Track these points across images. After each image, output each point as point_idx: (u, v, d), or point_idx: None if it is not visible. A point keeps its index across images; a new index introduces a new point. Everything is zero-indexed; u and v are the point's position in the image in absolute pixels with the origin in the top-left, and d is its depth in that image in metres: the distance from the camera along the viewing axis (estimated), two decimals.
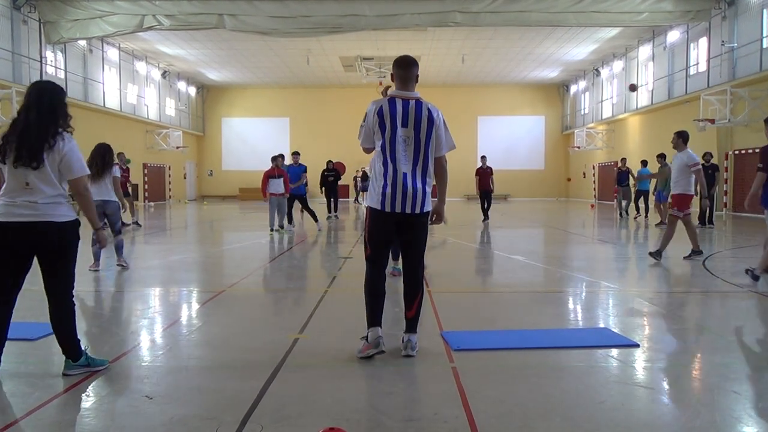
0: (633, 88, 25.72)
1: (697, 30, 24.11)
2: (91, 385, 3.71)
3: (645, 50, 28.92)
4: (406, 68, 4.29)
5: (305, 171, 15.61)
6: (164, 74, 34.91)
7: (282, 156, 14.47)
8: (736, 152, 21.87)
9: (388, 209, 4.15)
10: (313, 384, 3.70)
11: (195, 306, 6.32)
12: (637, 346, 4.51)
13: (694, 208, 14.35)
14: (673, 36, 25.89)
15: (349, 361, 4.27)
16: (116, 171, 8.57)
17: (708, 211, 15.65)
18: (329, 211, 19.73)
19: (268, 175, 13.87)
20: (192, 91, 39.24)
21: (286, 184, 13.96)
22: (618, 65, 31.78)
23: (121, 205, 8.42)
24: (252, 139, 39.82)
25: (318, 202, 25.70)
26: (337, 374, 3.94)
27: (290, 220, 14.90)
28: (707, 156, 16.45)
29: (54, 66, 24.43)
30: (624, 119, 31.49)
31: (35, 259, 3.79)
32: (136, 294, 7.00)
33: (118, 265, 8.42)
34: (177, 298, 6.83)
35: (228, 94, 40.90)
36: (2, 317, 3.73)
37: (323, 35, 24.43)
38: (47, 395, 3.49)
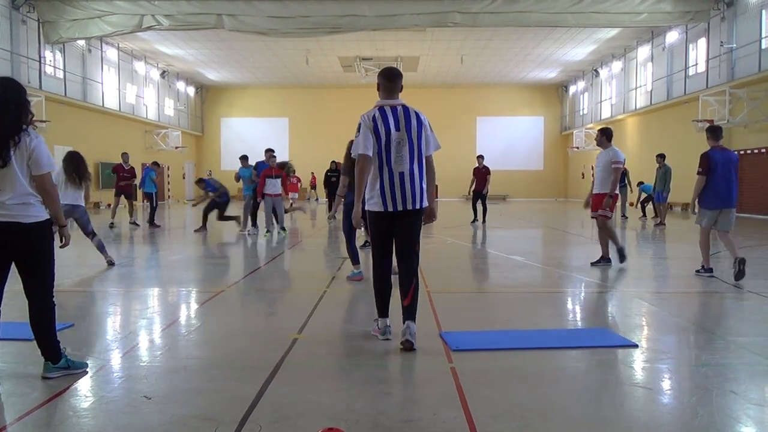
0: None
1: (696, 31, 24.14)
2: (90, 385, 3.70)
3: (644, 51, 28.95)
4: (392, 80, 4.57)
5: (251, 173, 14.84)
6: (163, 74, 34.89)
7: (272, 151, 13.99)
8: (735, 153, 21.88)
9: (390, 209, 4.46)
10: (312, 384, 3.69)
11: (194, 306, 6.31)
12: (636, 346, 4.51)
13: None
14: (672, 36, 25.91)
15: (348, 361, 4.27)
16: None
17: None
18: (329, 211, 19.72)
19: (266, 175, 13.49)
20: (191, 91, 39.24)
21: (283, 185, 13.67)
22: (617, 66, 31.81)
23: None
24: (251, 140, 39.76)
25: (319, 202, 25.63)
26: (335, 374, 3.94)
27: (254, 222, 14.33)
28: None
29: (53, 66, 24.42)
30: (623, 120, 31.51)
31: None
32: (135, 294, 6.99)
33: (108, 263, 8.46)
34: (175, 298, 6.82)
35: (227, 94, 40.90)
36: None
37: (322, 35, 24.44)
38: (45, 395, 3.48)
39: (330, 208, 19.85)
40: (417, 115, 4.53)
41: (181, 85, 37.44)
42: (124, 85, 30.55)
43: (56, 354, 3.76)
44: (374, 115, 4.47)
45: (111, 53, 29.17)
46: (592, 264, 8.70)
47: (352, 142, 5.31)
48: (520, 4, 20.85)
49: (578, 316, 6.04)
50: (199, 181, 15.01)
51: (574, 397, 3.49)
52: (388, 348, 4.58)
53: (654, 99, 27.92)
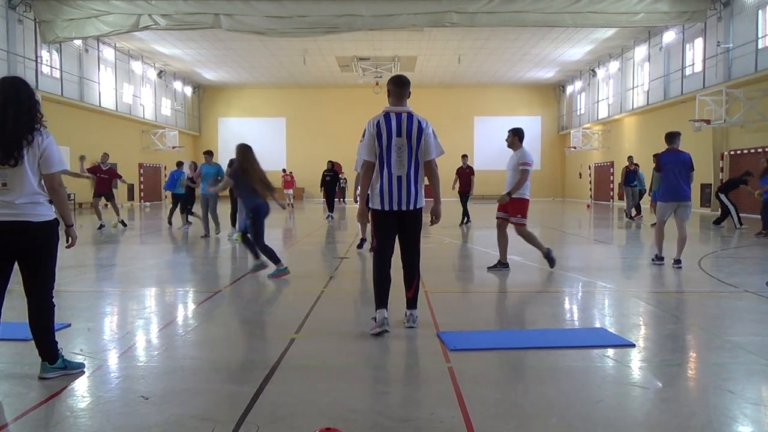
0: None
1: (693, 31, 24.18)
2: (87, 385, 3.70)
3: (641, 51, 28.99)
4: (401, 86, 4.95)
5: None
6: (160, 74, 34.84)
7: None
8: (732, 153, 21.94)
9: (387, 208, 4.85)
10: (310, 384, 3.70)
11: (191, 306, 6.31)
12: (633, 345, 4.52)
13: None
14: (669, 37, 25.95)
15: (346, 361, 4.27)
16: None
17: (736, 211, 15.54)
18: (329, 210, 19.81)
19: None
20: (188, 90, 39.18)
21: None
22: (614, 66, 31.84)
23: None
24: (248, 139, 39.37)
25: (315, 202, 25.62)
26: (333, 374, 3.94)
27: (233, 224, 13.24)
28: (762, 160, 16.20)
29: (49, 65, 24.36)
30: (620, 119, 31.55)
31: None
32: (132, 294, 6.98)
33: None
34: (173, 299, 6.82)
35: (224, 94, 40.85)
36: None
37: (320, 35, 24.41)
38: (42, 396, 3.48)
39: (329, 208, 19.90)
40: (419, 122, 4.85)
41: (178, 85, 37.38)
42: (121, 84, 30.49)
43: (54, 354, 3.76)
44: (378, 121, 4.83)
45: (108, 53, 29.11)
46: (489, 269, 8.33)
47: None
48: (517, 4, 20.85)
49: (575, 316, 6.05)
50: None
51: (572, 397, 3.49)
52: (386, 348, 4.59)
53: (651, 99, 27.96)
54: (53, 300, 3.80)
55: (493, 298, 6.85)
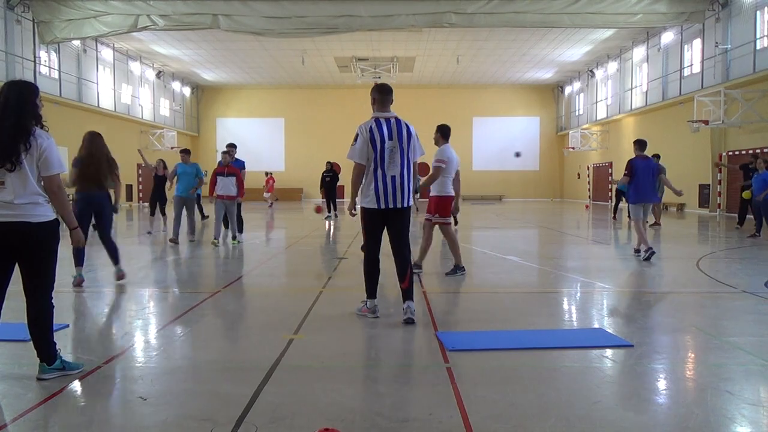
0: None
1: (691, 31, 24.22)
2: (85, 386, 3.70)
3: (639, 51, 29.03)
4: (386, 94, 5.35)
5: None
6: (159, 74, 34.83)
7: (234, 146, 12.12)
8: (730, 153, 21.96)
9: (382, 206, 5.21)
10: (308, 384, 3.69)
11: (189, 307, 6.30)
12: (632, 346, 4.52)
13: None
14: (667, 37, 25.99)
15: (345, 361, 4.27)
16: None
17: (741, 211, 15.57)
18: (329, 211, 19.87)
19: (216, 173, 11.52)
20: (186, 91, 39.17)
21: (240, 185, 11.44)
22: (612, 66, 31.88)
23: None
24: (247, 140, 39.73)
25: (313, 202, 25.60)
26: (332, 375, 3.94)
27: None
28: (750, 158, 16.24)
29: (48, 66, 24.35)
30: (618, 120, 31.59)
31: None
32: (131, 294, 6.97)
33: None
34: (171, 299, 6.81)
35: (223, 95, 40.84)
36: None
37: (318, 36, 24.43)
38: (40, 397, 3.47)
39: (328, 209, 19.95)
40: (407, 126, 5.32)
41: (176, 86, 37.37)
42: (119, 85, 30.48)
43: (52, 355, 3.75)
44: (371, 126, 5.20)
45: (106, 53, 29.10)
46: (446, 274, 7.90)
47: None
48: (516, 4, 20.88)
49: (574, 316, 6.05)
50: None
51: (570, 397, 3.49)
52: (385, 348, 4.59)
53: (649, 99, 28.00)
54: (52, 301, 3.80)
55: (492, 298, 6.85)
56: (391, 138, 5.19)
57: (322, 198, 21.07)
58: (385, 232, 5.38)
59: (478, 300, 6.80)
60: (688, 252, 11.27)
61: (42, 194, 3.72)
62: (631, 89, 29.94)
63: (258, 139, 39.27)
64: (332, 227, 16.84)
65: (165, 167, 15.18)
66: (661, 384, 3.84)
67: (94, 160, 7.13)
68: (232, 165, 11.57)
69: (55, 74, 24.80)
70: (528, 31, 26.36)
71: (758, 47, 19.91)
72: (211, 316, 5.88)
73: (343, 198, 35.29)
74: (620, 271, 9.04)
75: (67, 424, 3.16)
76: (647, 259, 9.18)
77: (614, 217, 19.31)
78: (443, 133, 7.88)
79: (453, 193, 7.79)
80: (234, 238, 11.81)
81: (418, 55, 31.89)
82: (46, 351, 3.74)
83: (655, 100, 27.27)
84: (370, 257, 5.36)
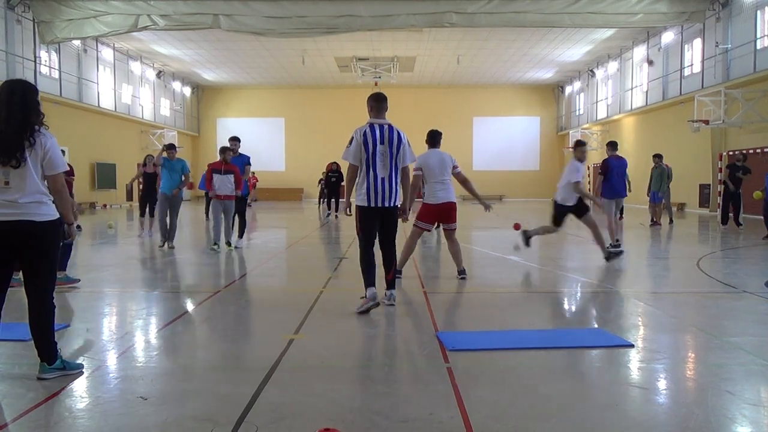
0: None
1: (692, 31, 24.20)
2: (86, 386, 3.70)
3: (639, 51, 29.00)
4: (381, 102, 5.82)
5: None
6: (159, 74, 34.82)
7: (237, 140, 11.27)
8: (730, 153, 21.95)
9: (372, 204, 5.66)
10: (309, 385, 3.69)
11: (190, 307, 6.30)
12: (632, 346, 4.52)
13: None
14: (668, 37, 25.97)
15: (345, 361, 4.27)
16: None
17: (735, 211, 15.52)
18: (329, 209, 20.37)
19: (213, 170, 10.46)
20: (187, 91, 39.16)
21: (237, 183, 10.48)
22: (613, 66, 31.86)
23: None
24: (247, 140, 39.61)
25: (312, 202, 25.57)
26: (332, 375, 3.94)
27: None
28: (739, 156, 16.19)
29: (48, 66, 24.34)
30: (619, 120, 31.57)
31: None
32: (130, 295, 6.98)
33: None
34: (171, 299, 6.81)
35: (223, 95, 40.84)
36: None
37: (318, 35, 24.40)
38: (41, 396, 3.47)
39: (328, 205, 20.43)
40: (398, 133, 5.76)
41: (177, 86, 37.36)
42: (119, 85, 30.47)
43: (53, 355, 3.75)
44: (365, 131, 5.67)
45: (107, 53, 29.09)
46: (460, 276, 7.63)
47: None
48: (516, 4, 20.86)
49: (574, 317, 6.05)
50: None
51: (571, 398, 3.49)
52: (385, 348, 4.59)
53: (650, 99, 27.97)
54: (53, 301, 3.80)
55: (492, 298, 6.84)
56: (382, 143, 5.66)
57: (325, 198, 21.56)
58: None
59: (478, 300, 6.80)
60: (688, 252, 11.27)
61: (46, 193, 3.73)
62: (632, 89, 29.92)
63: (258, 139, 39.21)
64: (332, 227, 16.84)
65: (155, 164, 13.46)
66: (662, 384, 3.84)
67: None
68: (234, 161, 10.59)
69: (55, 74, 24.79)
70: (528, 31, 26.33)
71: (759, 47, 19.89)
72: (212, 316, 5.88)
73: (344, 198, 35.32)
74: (620, 271, 9.04)
75: (68, 424, 3.16)
76: (614, 252, 9.25)
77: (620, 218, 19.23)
78: (428, 138, 7.72)
79: (439, 201, 7.43)
80: (229, 243, 10.68)
81: (418, 55, 31.87)
82: (47, 351, 3.74)
83: (656, 100, 27.24)
84: (366, 250, 5.78)
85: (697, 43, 23.91)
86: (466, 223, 17.85)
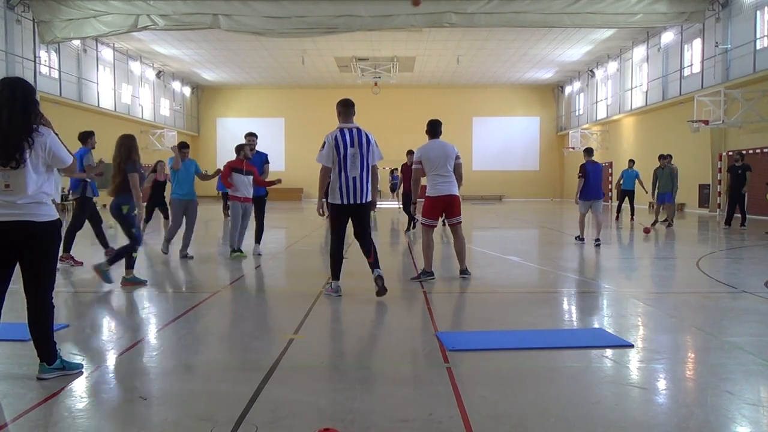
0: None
1: (691, 31, 24.21)
2: (85, 386, 3.70)
3: (639, 51, 29.02)
4: (349, 107, 6.37)
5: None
6: (159, 74, 34.82)
7: (255, 135, 10.51)
8: (730, 153, 21.95)
9: (345, 202, 6.24)
10: (308, 384, 3.69)
11: (189, 307, 6.30)
12: (632, 346, 4.52)
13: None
14: (668, 37, 25.98)
15: (344, 361, 4.27)
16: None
17: (742, 213, 15.52)
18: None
19: (233, 168, 9.58)
20: (187, 91, 39.17)
21: (257, 185, 9.88)
22: (612, 66, 31.88)
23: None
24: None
25: (312, 202, 25.48)
26: (331, 375, 3.94)
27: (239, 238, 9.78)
28: (736, 156, 16.19)
29: (48, 66, 24.34)
30: (618, 120, 31.58)
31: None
32: (131, 295, 6.97)
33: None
34: (171, 299, 6.81)
35: (223, 95, 40.84)
36: None
37: (318, 35, 24.43)
38: (41, 396, 3.47)
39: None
40: (367, 135, 6.30)
41: (176, 85, 37.37)
42: (119, 85, 30.47)
43: (52, 355, 3.75)
44: (336, 136, 6.22)
45: (106, 53, 29.09)
46: (412, 279, 7.62)
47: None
48: (516, 4, 20.86)
49: (574, 317, 6.05)
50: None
51: (570, 398, 3.49)
52: (385, 348, 4.59)
53: (650, 99, 27.98)
54: (53, 300, 3.80)
55: (491, 298, 6.84)
56: (353, 145, 6.18)
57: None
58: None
59: (478, 300, 6.80)
60: (688, 252, 11.27)
61: (47, 193, 3.72)
62: (631, 89, 29.93)
63: (258, 139, 39.20)
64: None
65: (168, 170, 11.93)
66: (661, 384, 3.84)
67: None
68: (251, 161, 9.77)
69: (55, 74, 24.79)
70: (528, 31, 26.34)
71: (758, 47, 19.90)
72: (212, 316, 5.88)
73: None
74: (620, 271, 9.04)
75: (68, 424, 3.16)
76: (576, 242, 11.76)
77: (617, 218, 19.23)
78: (428, 128, 7.56)
79: (441, 194, 7.33)
80: (238, 249, 9.68)
81: (418, 55, 31.88)
82: (47, 351, 3.73)
83: (656, 100, 27.25)
84: (337, 244, 6.38)
85: (697, 43, 23.92)
86: (466, 223, 17.86)
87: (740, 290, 6.88)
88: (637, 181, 18.16)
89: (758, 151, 19.92)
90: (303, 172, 37.89)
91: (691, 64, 24.56)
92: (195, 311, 5.98)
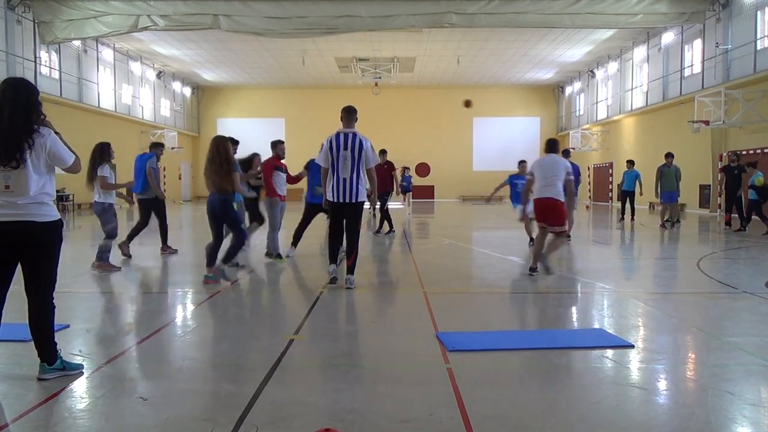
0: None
1: (692, 32, 24.20)
2: (86, 386, 3.70)
3: (640, 52, 29.01)
4: (350, 113, 6.89)
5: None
6: (159, 75, 34.83)
7: (283, 143, 10.20)
8: (730, 153, 21.95)
9: (335, 200, 6.79)
10: (309, 385, 3.70)
11: (190, 307, 6.30)
12: (632, 346, 4.52)
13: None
14: (668, 38, 25.97)
15: (345, 361, 4.27)
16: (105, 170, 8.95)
17: (740, 214, 15.45)
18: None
19: (275, 167, 9.57)
20: (187, 91, 39.17)
21: (289, 182, 10.02)
22: (613, 67, 31.87)
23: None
24: (247, 140, 39.51)
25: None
26: (332, 375, 3.94)
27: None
28: (732, 156, 16.15)
29: (48, 66, 24.34)
30: (619, 120, 31.57)
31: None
32: (131, 295, 6.98)
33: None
34: (172, 299, 6.81)
35: (223, 95, 40.85)
36: None
37: (318, 36, 24.41)
38: (41, 397, 3.47)
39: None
40: (361, 141, 6.73)
41: (177, 86, 37.37)
42: (120, 85, 30.47)
43: (53, 355, 3.75)
44: (331, 139, 6.79)
45: (107, 54, 29.10)
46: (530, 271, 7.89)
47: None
48: (516, 5, 20.86)
49: (574, 317, 6.05)
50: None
51: (570, 398, 3.49)
52: (385, 349, 4.59)
53: (650, 100, 27.97)
54: (53, 301, 3.80)
55: (492, 298, 6.85)
56: (346, 148, 6.68)
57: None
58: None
59: (478, 300, 6.80)
60: (688, 252, 11.27)
61: (48, 193, 3.72)
62: (632, 89, 29.92)
63: (258, 139, 38.87)
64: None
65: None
66: (662, 384, 3.84)
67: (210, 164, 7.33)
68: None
69: (55, 74, 24.80)
70: (528, 32, 26.34)
71: (759, 47, 19.89)
72: (212, 316, 5.88)
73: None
74: (620, 271, 9.04)
75: (68, 424, 3.16)
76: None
77: (622, 218, 19.14)
78: (545, 146, 8.44)
79: (541, 196, 7.99)
80: (279, 254, 9.43)
81: (418, 55, 31.87)
82: (47, 351, 3.73)
83: (656, 101, 27.24)
84: (334, 236, 7.04)
85: (697, 43, 23.91)
86: (466, 223, 17.84)
87: (740, 291, 6.88)
88: (637, 182, 18.12)
89: (758, 151, 19.92)
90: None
91: (692, 65, 24.55)
92: (195, 311, 5.98)
